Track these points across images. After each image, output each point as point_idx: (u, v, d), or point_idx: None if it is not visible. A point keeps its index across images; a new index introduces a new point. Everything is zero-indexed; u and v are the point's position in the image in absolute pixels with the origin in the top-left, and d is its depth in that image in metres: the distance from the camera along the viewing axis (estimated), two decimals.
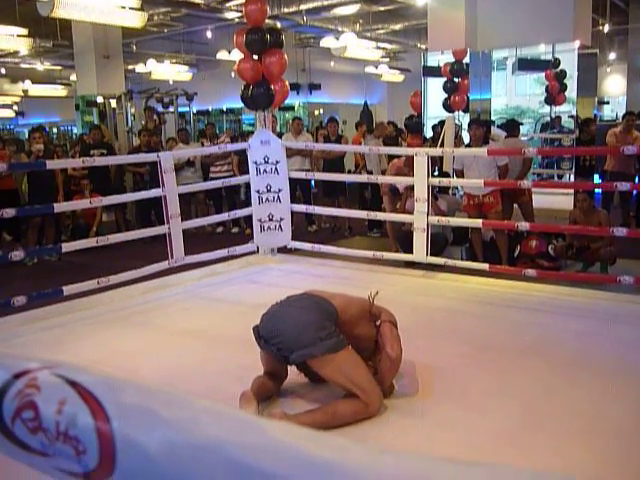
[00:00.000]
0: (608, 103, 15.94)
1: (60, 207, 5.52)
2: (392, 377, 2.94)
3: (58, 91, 18.25)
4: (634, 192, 8.06)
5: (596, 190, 8.68)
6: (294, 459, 0.56)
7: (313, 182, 9.78)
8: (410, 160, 5.56)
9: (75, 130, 15.43)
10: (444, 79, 9.21)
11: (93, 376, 0.71)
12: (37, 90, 17.80)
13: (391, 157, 7.98)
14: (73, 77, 14.44)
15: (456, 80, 8.83)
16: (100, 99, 11.69)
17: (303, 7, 11.25)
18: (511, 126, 7.75)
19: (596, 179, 8.71)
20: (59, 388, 0.68)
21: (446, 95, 9.09)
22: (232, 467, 0.58)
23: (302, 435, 0.60)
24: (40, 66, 16.18)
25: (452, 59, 8.98)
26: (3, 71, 17.17)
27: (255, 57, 5.74)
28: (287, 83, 6.04)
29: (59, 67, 17.04)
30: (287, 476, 0.55)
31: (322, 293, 2.92)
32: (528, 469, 0.51)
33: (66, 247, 5.11)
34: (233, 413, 0.64)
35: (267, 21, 11.53)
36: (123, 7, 8.43)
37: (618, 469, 2.40)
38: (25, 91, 17.95)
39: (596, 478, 2.35)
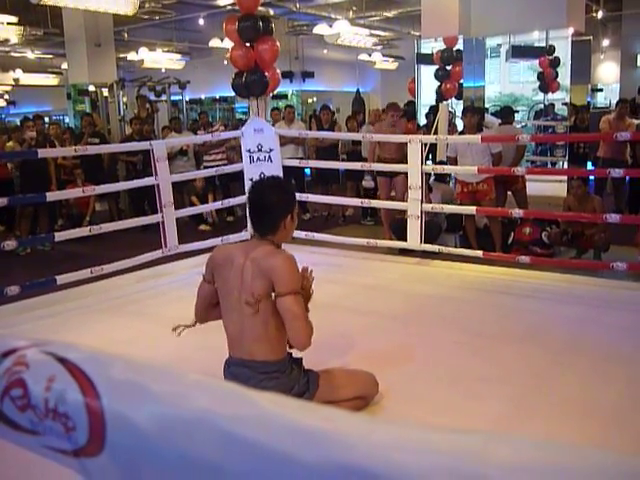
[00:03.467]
0: (602, 90, 15.93)
1: (53, 196, 5.49)
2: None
3: (49, 80, 18.12)
4: (627, 179, 8.06)
5: (590, 177, 8.70)
6: (285, 429, 0.56)
7: (309, 171, 9.76)
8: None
9: (67, 119, 15.31)
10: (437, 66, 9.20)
11: (82, 352, 0.70)
12: (28, 79, 17.67)
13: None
14: (64, 66, 14.32)
15: (448, 67, 8.81)
16: (92, 88, 11.60)
17: None
18: (506, 113, 7.74)
19: (589, 166, 8.72)
20: (48, 365, 0.68)
21: (438, 82, 9.08)
22: (223, 439, 0.58)
23: (292, 405, 0.60)
24: (31, 55, 16.05)
25: (443, 46, 8.96)
26: None
27: (247, 44, 5.71)
28: (278, 71, 6.02)
29: (50, 55, 16.89)
30: (280, 447, 0.55)
31: (241, 342, 2.53)
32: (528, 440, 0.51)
33: (59, 236, 5.09)
34: (223, 385, 0.64)
35: (260, 8, 11.49)
36: None
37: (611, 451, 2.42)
38: (16, 80, 17.81)
39: None
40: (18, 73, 17.42)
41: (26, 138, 7.68)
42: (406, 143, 5.44)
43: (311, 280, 2.63)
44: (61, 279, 4.54)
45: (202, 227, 8.50)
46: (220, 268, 2.60)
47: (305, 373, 2.61)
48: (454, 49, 8.62)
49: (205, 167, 8.88)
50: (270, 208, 2.57)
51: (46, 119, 19.18)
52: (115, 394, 0.64)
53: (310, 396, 2.56)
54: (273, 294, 2.46)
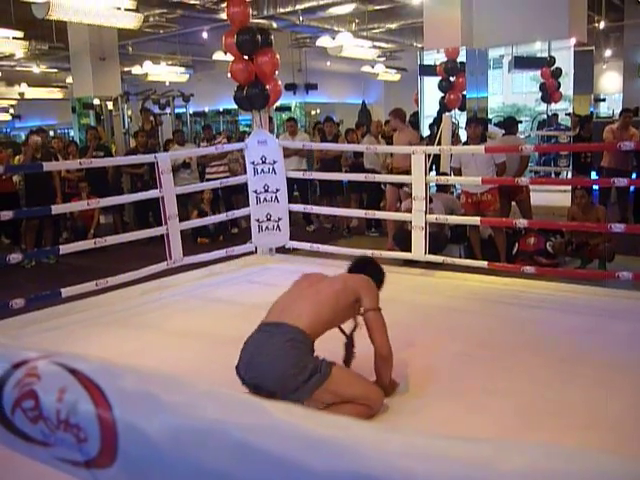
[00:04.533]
0: (604, 100, 15.94)
1: (58, 209, 5.51)
2: (389, 373, 2.93)
3: (54, 94, 18.24)
4: (631, 188, 8.06)
5: (594, 187, 8.70)
6: (298, 439, 0.56)
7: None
8: None
9: (72, 133, 15.39)
10: (439, 78, 9.24)
11: (93, 363, 0.70)
12: (33, 93, 17.79)
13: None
14: (69, 79, 14.40)
15: (451, 79, 8.84)
16: (96, 101, 11.67)
17: (299, 7, 11.24)
18: (509, 124, 7.76)
19: (593, 176, 8.72)
20: (59, 376, 0.68)
21: (441, 94, 9.12)
22: (236, 449, 0.57)
23: (305, 415, 0.60)
24: (36, 69, 16.14)
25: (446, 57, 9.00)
26: None
27: (246, 58, 5.73)
28: (280, 82, 6.04)
29: (55, 70, 17.00)
30: (292, 456, 0.55)
31: (290, 308, 2.76)
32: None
33: (64, 249, 5.11)
34: (234, 395, 0.64)
35: (262, 21, 11.56)
36: (118, 8, 8.42)
37: None
38: (21, 94, 17.93)
39: None
40: (23, 87, 17.55)
41: (30, 143, 7.70)
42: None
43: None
44: (66, 292, 4.55)
45: (200, 240, 8.50)
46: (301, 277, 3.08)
47: (321, 360, 2.64)
48: (457, 60, 8.65)
49: (207, 179, 8.91)
50: (372, 267, 3.21)
51: (51, 132, 19.33)
52: (127, 405, 0.64)
53: (321, 378, 2.55)
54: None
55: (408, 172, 6.87)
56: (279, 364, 2.55)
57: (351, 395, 2.66)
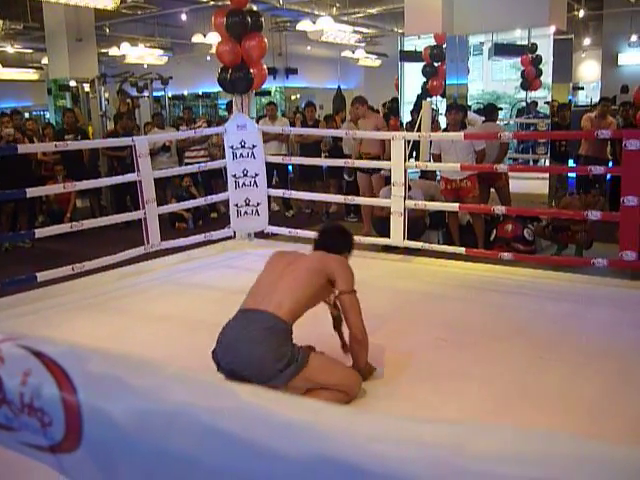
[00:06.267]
0: (583, 89, 16.07)
1: (33, 192, 5.41)
2: (365, 356, 2.92)
3: (30, 75, 17.88)
4: (607, 176, 8.14)
5: (570, 175, 8.78)
6: (267, 422, 0.55)
7: (291, 167, 9.73)
8: None
9: (48, 115, 15.14)
10: (420, 64, 9.21)
11: (58, 346, 0.69)
12: (8, 74, 17.41)
13: None
14: (45, 60, 14.15)
15: (436, 64, 8.83)
16: (73, 83, 11.49)
17: None
18: (489, 111, 7.78)
19: (570, 164, 8.79)
20: (23, 359, 0.66)
21: (424, 79, 9.10)
22: (203, 432, 0.57)
23: (274, 398, 0.59)
24: (10, 49, 15.82)
25: (428, 43, 8.97)
26: None
27: (234, 40, 5.66)
28: (265, 67, 5.99)
29: (30, 50, 16.69)
30: (260, 440, 0.54)
31: (269, 294, 2.72)
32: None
33: (40, 233, 5.04)
34: (202, 378, 0.63)
35: None
36: None
37: None
38: None
39: None
40: None
41: (3, 135, 7.55)
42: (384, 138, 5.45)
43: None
44: (42, 276, 4.49)
45: (178, 225, 8.44)
46: (274, 257, 3.04)
47: (299, 349, 2.64)
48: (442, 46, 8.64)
49: (187, 164, 8.83)
50: (339, 238, 3.15)
51: (26, 114, 19.00)
52: (92, 388, 0.63)
53: (297, 368, 2.56)
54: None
55: (378, 157, 6.93)
56: (257, 351, 2.54)
57: (328, 382, 2.67)
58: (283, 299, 2.68)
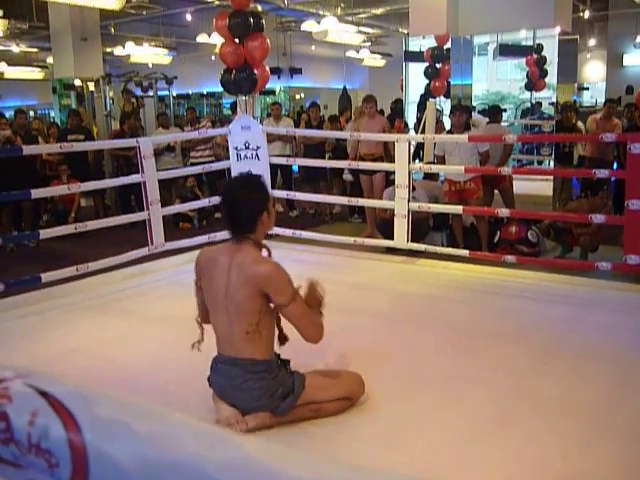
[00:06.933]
0: (588, 89, 16.02)
1: (37, 193, 5.42)
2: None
3: (35, 74, 17.90)
4: (612, 179, 8.12)
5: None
6: (272, 476, 0.55)
7: (297, 167, 9.73)
8: None
9: (52, 113, 15.17)
10: (425, 64, 9.20)
11: (66, 387, 0.69)
12: (13, 73, 17.44)
13: None
14: (50, 60, 14.15)
15: (437, 66, 8.82)
16: (78, 82, 11.49)
17: None
18: (493, 112, 7.77)
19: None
20: (31, 399, 0.67)
21: (427, 80, 9.09)
22: None
23: (279, 453, 0.59)
24: (16, 48, 15.84)
25: (433, 44, 8.96)
26: None
27: (237, 41, 5.67)
28: (267, 68, 5.99)
29: (35, 49, 16.69)
30: None
31: (230, 338, 2.55)
32: None
33: (44, 234, 5.06)
34: (208, 428, 0.63)
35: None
36: None
37: (592, 453, 2.44)
38: (1, 74, 17.59)
39: (570, 462, 2.38)
40: (3, 66, 17.20)
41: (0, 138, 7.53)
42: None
43: (322, 293, 2.68)
44: (46, 277, 4.51)
45: (182, 225, 8.45)
46: (205, 269, 2.63)
47: (291, 374, 2.62)
48: (444, 47, 8.63)
49: (192, 163, 8.83)
50: (245, 207, 2.55)
51: (31, 113, 19.03)
52: (98, 432, 0.63)
53: (294, 397, 2.57)
54: (263, 300, 2.52)
55: (380, 158, 6.93)
56: (251, 398, 2.54)
57: (330, 397, 2.68)
58: (245, 343, 2.52)
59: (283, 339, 2.71)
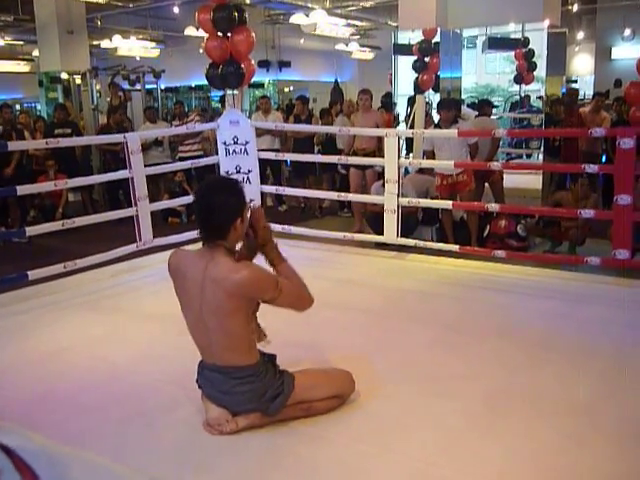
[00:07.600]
0: (576, 82, 16.06)
1: (24, 189, 5.35)
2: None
3: (20, 67, 17.71)
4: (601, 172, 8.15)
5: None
6: None
7: (289, 161, 9.69)
8: None
9: (39, 107, 15.01)
10: (414, 57, 9.16)
11: (35, 446, 0.65)
12: None
13: None
14: (36, 53, 14.01)
15: (426, 59, 8.79)
16: (64, 76, 11.38)
17: None
18: (482, 106, 7.79)
19: None
20: None
21: (415, 74, 9.05)
22: None
23: None
24: (1, 41, 15.67)
25: (422, 36, 8.92)
26: None
27: (221, 35, 5.61)
28: (254, 61, 5.95)
29: (21, 42, 16.53)
30: None
31: (212, 348, 2.51)
32: None
33: (30, 231, 5.01)
34: None
35: None
36: None
37: (587, 448, 2.44)
38: None
39: (564, 456, 2.39)
40: None
41: None
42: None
43: (261, 218, 2.65)
44: (33, 274, 4.45)
45: (170, 220, 8.40)
46: (177, 275, 2.59)
47: (280, 374, 2.59)
48: (432, 41, 8.59)
49: (180, 158, 8.76)
50: (219, 212, 2.42)
51: (17, 107, 18.83)
52: None
53: (284, 398, 2.55)
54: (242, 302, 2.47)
55: (373, 152, 6.91)
56: (240, 401, 2.53)
57: (320, 396, 2.67)
58: (227, 352, 2.48)
59: (262, 337, 2.72)
